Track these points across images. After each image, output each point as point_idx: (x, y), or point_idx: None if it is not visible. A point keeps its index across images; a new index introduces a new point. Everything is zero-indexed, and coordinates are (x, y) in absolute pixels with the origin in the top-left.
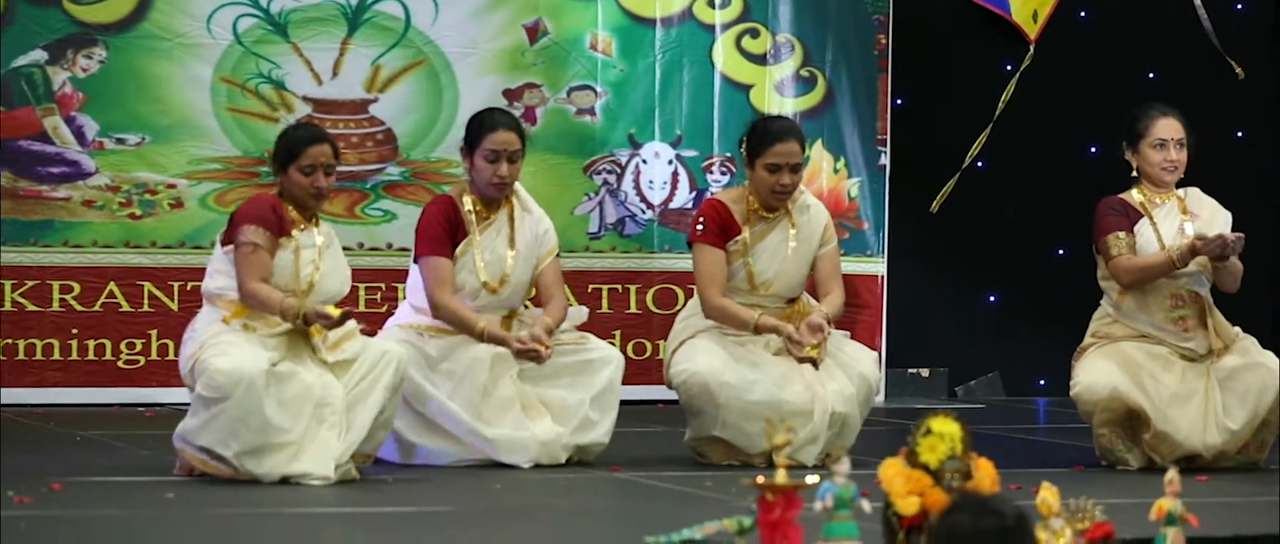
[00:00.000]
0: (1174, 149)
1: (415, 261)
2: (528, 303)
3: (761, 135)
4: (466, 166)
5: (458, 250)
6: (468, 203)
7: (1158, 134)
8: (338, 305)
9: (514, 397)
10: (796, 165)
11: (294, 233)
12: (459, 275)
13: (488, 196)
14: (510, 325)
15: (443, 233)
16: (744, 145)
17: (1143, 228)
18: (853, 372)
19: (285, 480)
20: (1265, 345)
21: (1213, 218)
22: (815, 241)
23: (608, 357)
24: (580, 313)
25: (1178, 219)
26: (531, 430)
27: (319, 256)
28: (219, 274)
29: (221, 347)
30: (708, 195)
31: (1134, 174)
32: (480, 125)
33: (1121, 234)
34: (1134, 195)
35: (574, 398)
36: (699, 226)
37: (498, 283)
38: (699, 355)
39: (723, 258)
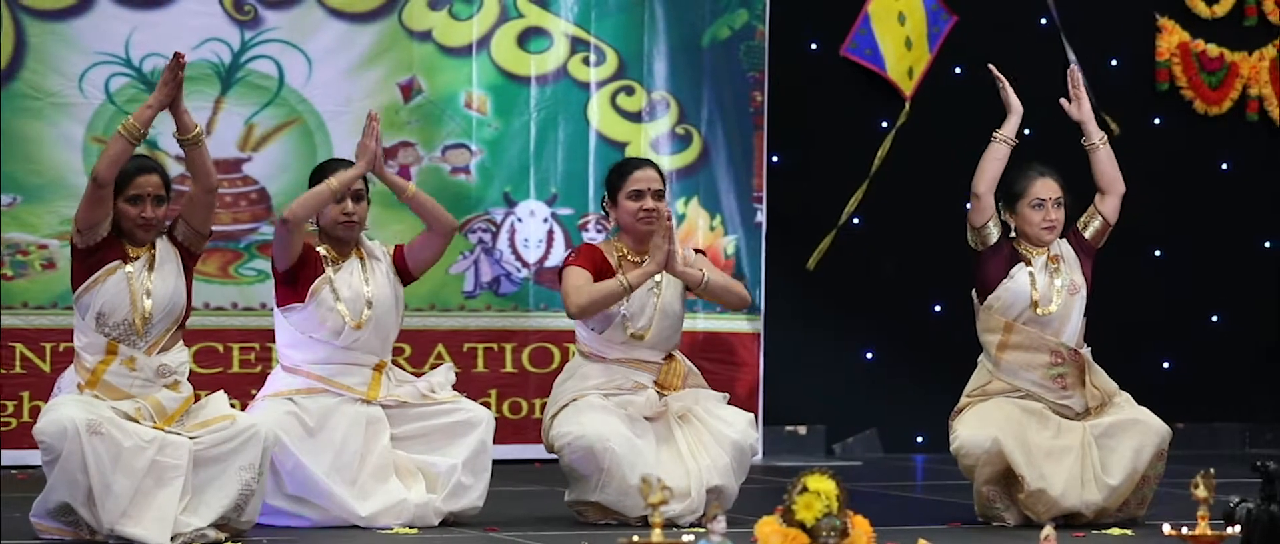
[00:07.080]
0: (1052, 208)
1: (275, 274)
2: (401, 363)
3: (619, 169)
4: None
5: (312, 287)
6: (321, 249)
7: (1036, 194)
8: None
9: (389, 463)
10: (658, 191)
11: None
12: (318, 314)
13: (336, 237)
14: (379, 381)
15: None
16: (605, 193)
17: (1018, 272)
18: (727, 441)
19: (122, 540)
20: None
21: (1073, 257)
22: (681, 284)
23: (477, 418)
24: (449, 374)
25: (1048, 269)
26: (405, 496)
27: (148, 278)
28: (78, 333)
29: (49, 407)
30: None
31: (1011, 235)
32: (321, 172)
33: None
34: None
35: (446, 464)
36: (571, 257)
37: (361, 317)
38: (584, 419)
39: (591, 278)
